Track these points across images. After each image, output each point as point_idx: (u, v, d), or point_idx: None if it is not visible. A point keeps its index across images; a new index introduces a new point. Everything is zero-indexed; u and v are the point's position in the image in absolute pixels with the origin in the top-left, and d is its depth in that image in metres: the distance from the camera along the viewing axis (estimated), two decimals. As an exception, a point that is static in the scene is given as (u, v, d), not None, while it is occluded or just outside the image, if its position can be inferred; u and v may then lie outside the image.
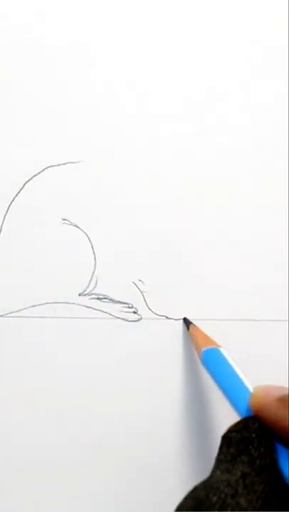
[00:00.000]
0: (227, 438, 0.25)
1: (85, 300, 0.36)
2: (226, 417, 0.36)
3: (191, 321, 0.36)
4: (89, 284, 0.36)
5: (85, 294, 0.36)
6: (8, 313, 0.36)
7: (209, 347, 0.32)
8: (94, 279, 0.37)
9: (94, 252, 0.37)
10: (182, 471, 0.36)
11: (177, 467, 0.36)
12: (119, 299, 0.37)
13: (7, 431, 0.35)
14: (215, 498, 0.22)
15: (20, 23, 0.37)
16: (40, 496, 0.35)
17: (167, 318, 0.37)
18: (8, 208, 0.36)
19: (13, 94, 0.37)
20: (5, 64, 0.37)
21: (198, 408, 0.36)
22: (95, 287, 0.37)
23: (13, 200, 0.36)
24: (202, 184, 0.38)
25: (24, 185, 0.37)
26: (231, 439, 0.24)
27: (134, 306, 0.37)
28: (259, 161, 0.39)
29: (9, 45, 0.37)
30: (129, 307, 0.37)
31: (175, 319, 0.37)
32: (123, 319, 0.37)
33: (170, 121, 0.38)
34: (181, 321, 0.37)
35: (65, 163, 0.37)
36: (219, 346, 0.32)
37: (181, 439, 0.36)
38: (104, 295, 0.37)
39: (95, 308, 0.36)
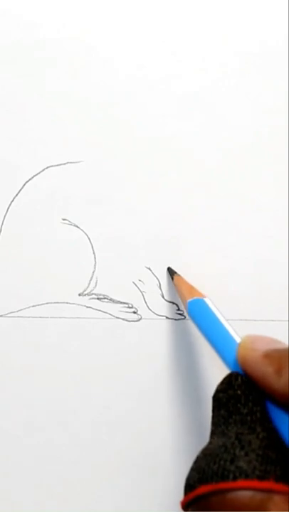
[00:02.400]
0: (216, 399, 0.25)
1: (85, 300, 0.36)
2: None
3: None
4: (89, 284, 0.36)
5: (85, 294, 0.36)
6: (8, 313, 0.36)
7: (195, 297, 0.31)
8: (94, 279, 0.37)
9: (94, 252, 0.37)
10: (182, 469, 0.36)
11: (177, 466, 0.36)
12: (119, 299, 0.37)
13: (7, 431, 0.35)
14: (216, 466, 0.22)
15: (20, 23, 0.37)
16: (40, 496, 0.35)
17: (167, 318, 0.37)
18: (8, 208, 0.36)
19: (13, 94, 0.37)
20: (5, 64, 0.37)
21: (198, 408, 0.36)
22: (95, 287, 0.37)
23: (13, 200, 0.36)
24: (202, 184, 0.38)
25: (24, 185, 0.37)
26: (220, 399, 0.24)
27: (134, 306, 0.37)
28: (259, 161, 0.39)
29: (9, 45, 0.37)
30: (129, 307, 0.37)
31: (175, 319, 0.37)
32: (123, 319, 0.36)
33: (170, 121, 0.38)
34: (181, 321, 0.37)
35: (65, 163, 0.37)
36: (204, 297, 0.31)
37: (182, 439, 0.36)
38: (104, 295, 0.37)
39: (95, 308, 0.36)
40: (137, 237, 0.37)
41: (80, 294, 0.36)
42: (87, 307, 0.36)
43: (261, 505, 0.21)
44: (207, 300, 0.31)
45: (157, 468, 0.36)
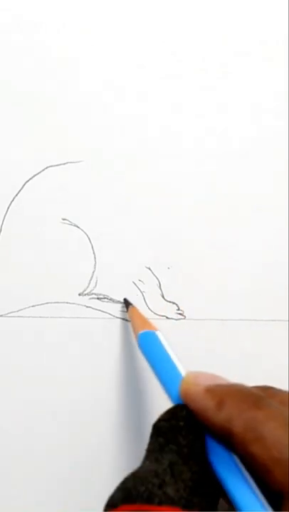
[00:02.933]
0: (156, 427, 0.25)
1: (85, 300, 0.36)
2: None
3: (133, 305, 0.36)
4: (89, 284, 0.37)
5: (85, 294, 0.36)
6: (8, 313, 0.36)
7: (146, 330, 0.31)
8: (94, 279, 0.37)
9: (94, 252, 0.37)
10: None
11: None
12: (119, 299, 0.37)
13: (7, 431, 0.35)
14: (142, 489, 0.22)
15: (20, 23, 0.37)
16: (41, 495, 0.35)
17: (167, 318, 0.37)
18: (8, 208, 0.36)
19: (13, 94, 0.37)
20: (5, 64, 0.37)
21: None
22: (95, 287, 0.37)
23: (13, 200, 0.36)
24: (202, 184, 0.38)
25: (24, 185, 0.37)
26: (160, 428, 0.24)
27: (134, 306, 0.37)
28: (259, 160, 0.39)
29: (9, 45, 0.37)
30: (129, 307, 0.37)
31: (175, 319, 0.37)
32: (123, 319, 0.37)
33: (170, 121, 0.38)
34: (181, 321, 0.37)
35: (65, 163, 0.37)
36: (156, 329, 0.31)
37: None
38: (104, 295, 0.37)
39: (95, 308, 0.36)
40: (137, 237, 0.37)
41: (80, 294, 0.36)
42: (87, 307, 0.36)
43: None
44: (158, 333, 0.31)
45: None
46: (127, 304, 0.36)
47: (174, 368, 0.27)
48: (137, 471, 0.23)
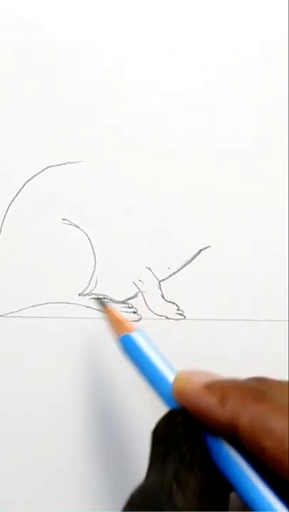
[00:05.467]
0: (155, 436, 0.24)
1: (85, 300, 0.36)
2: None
3: (172, 316, 0.34)
4: (89, 284, 0.36)
5: (85, 294, 0.36)
6: (8, 313, 0.36)
7: (125, 333, 0.29)
8: (94, 279, 0.37)
9: (94, 252, 0.37)
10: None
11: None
12: (119, 299, 0.37)
13: (7, 431, 0.35)
14: (151, 502, 0.22)
15: (20, 23, 0.37)
16: (40, 496, 0.35)
17: (167, 318, 0.37)
18: (8, 208, 0.36)
19: (13, 94, 0.37)
20: (5, 64, 0.37)
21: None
22: (95, 287, 0.37)
23: (13, 200, 0.36)
24: (202, 184, 0.38)
25: (24, 185, 0.37)
26: (159, 436, 0.24)
27: (134, 306, 0.37)
28: (259, 160, 0.39)
29: (9, 45, 0.37)
30: (129, 307, 0.37)
31: (175, 319, 0.37)
32: (123, 319, 0.37)
33: (170, 121, 0.38)
34: (181, 321, 0.37)
35: (65, 163, 0.37)
36: (135, 329, 0.29)
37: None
38: (104, 295, 0.37)
39: (95, 308, 0.36)
40: (137, 237, 0.37)
41: (80, 294, 0.36)
42: (87, 307, 0.36)
43: None
44: (135, 334, 0.29)
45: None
46: (102, 304, 0.33)
47: (158, 370, 0.27)
48: (143, 484, 0.23)
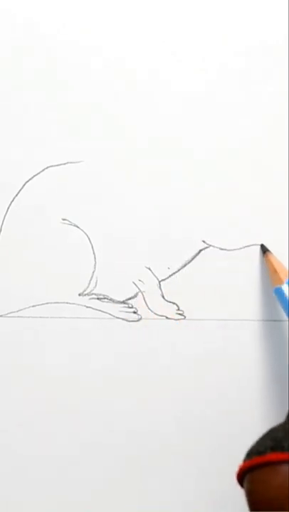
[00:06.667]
0: None
1: (85, 300, 0.36)
2: (226, 413, 0.36)
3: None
4: (89, 284, 0.36)
5: (85, 294, 0.36)
6: (8, 313, 0.36)
7: (277, 286, 0.33)
8: (94, 279, 0.37)
9: (94, 252, 0.37)
10: (183, 468, 0.36)
11: (176, 465, 0.36)
12: (119, 299, 0.37)
13: (7, 431, 0.35)
14: (286, 445, 0.23)
15: (20, 23, 0.37)
16: (41, 495, 0.35)
17: (167, 318, 0.37)
18: (8, 208, 0.36)
19: (14, 94, 0.37)
20: (5, 64, 0.37)
21: (198, 407, 0.36)
22: (95, 287, 0.37)
23: (13, 200, 0.36)
24: (202, 184, 0.38)
25: (24, 185, 0.37)
26: None
27: (134, 306, 0.37)
28: (259, 160, 0.39)
29: (9, 46, 0.37)
30: (129, 307, 0.37)
31: (175, 319, 0.37)
32: (123, 319, 0.36)
33: (170, 121, 0.38)
34: (181, 321, 0.37)
35: (65, 163, 0.37)
36: (283, 283, 0.33)
37: (182, 438, 0.36)
38: (104, 295, 0.37)
39: (95, 308, 0.36)
40: (137, 237, 0.37)
41: (80, 294, 0.36)
42: (87, 307, 0.36)
43: None
44: (284, 286, 0.33)
45: (158, 467, 0.36)
46: (264, 249, 0.37)
47: None
48: (283, 425, 0.25)
